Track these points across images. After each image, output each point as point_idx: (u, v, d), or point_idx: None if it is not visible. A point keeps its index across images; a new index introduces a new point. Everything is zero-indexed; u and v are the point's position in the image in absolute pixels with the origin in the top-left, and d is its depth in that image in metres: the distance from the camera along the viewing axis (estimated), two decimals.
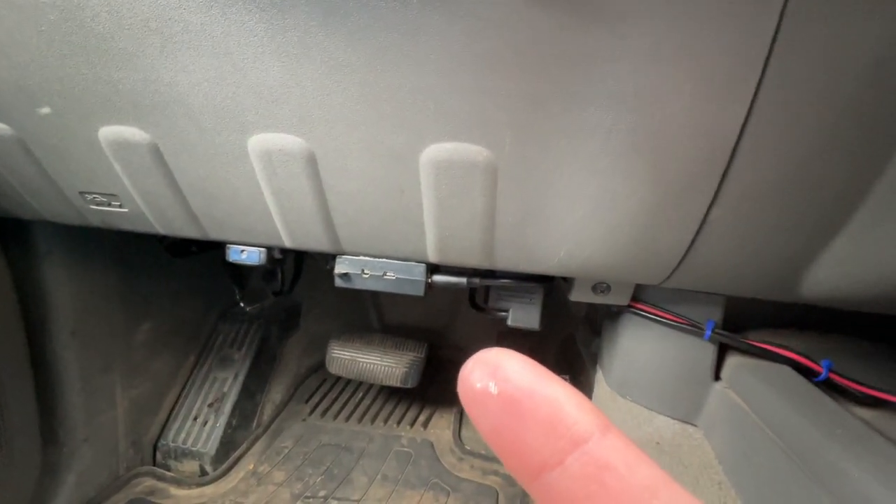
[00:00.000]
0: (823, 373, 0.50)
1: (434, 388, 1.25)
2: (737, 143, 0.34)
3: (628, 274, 0.48)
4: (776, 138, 0.34)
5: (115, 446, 0.91)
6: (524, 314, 0.60)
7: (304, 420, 1.13)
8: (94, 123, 0.48)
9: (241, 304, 1.07)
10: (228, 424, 1.00)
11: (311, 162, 0.46)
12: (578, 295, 0.58)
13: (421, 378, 1.09)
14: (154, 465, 0.96)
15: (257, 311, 1.18)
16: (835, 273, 0.40)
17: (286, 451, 1.03)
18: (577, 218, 0.44)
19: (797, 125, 0.33)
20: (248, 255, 0.58)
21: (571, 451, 0.10)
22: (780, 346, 0.51)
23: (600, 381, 0.68)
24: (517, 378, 0.11)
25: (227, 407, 1.02)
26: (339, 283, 0.56)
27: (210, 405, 1.02)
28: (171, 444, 0.97)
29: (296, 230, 0.52)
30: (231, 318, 1.17)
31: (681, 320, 0.55)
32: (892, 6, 0.28)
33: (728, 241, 0.41)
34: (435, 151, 0.42)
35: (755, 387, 0.50)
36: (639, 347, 0.61)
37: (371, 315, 1.39)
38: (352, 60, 0.38)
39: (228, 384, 1.05)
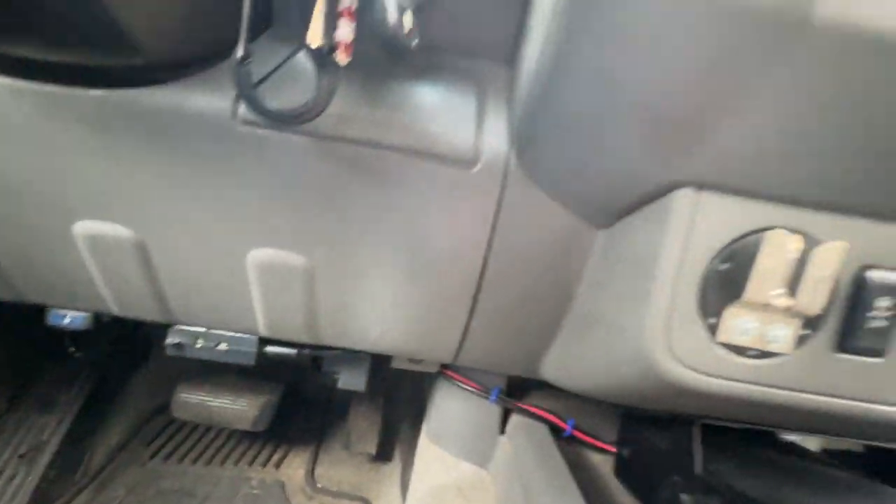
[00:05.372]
0: (568, 430, 0.66)
1: (292, 425, 1.26)
2: (480, 277, 0.48)
3: (426, 355, 0.60)
4: (505, 279, 0.48)
5: None
6: (352, 378, 0.69)
7: (143, 465, 1.07)
8: None
9: (71, 350, 0.99)
10: (44, 477, 0.91)
11: (142, 249, 0.49)
12: (398, 363, 0.68)
13: (276, 417, 1.11)
14: None
15: (95, 345, 1.09)
16: (556, 365, 0.55)
17: (117, 501, 0.97)
18: (382, 310, 0.54)
19: (518, 272, 0.47)
20: (71, 319, 0.58)
21: None
22: (539, 407, 0.67)
23: (423, 432, 0.80)
24: None
25: (45, 457, 0.93)
26: (171, 352, 0.59)
27: (21, 456, 0.92)
28: None
29: (125, 302, 0.55)
30: (61, 353, 1.07)
31: (475, 386, 0.69)
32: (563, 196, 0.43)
33: (486, 339, 0.54)
34: (259, 254, 0.49)
35: (518, 440, 0.65)
36: (448, 404, 0.74)
37: None
38: (178, 172, 0.44)
39: (49, 431, 0.96)
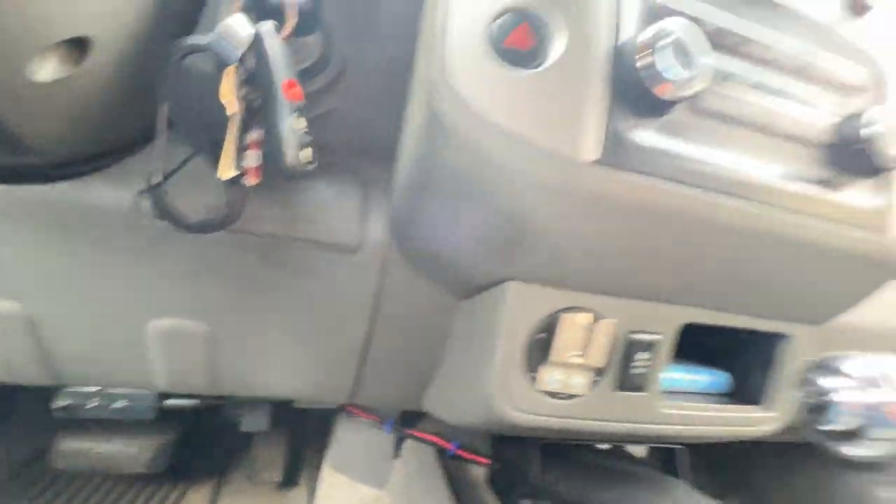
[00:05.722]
0: (452, 450, 0.78)
1: (194, 461, 1.23)
2: (367, 337, 0.57)
3: (324, 399, 0.68)
4: (389, 338, 0.58)
5: None
6: (254, 421, 0.74)
7: None
8: None
9: None
10: None
11: (31, 323, 0.50)
12: (302, 402, 0.75)
13: (176, 455, 1.08)
14: None
15: None
16: (433, 402, 0.67)
17: None
18: (281, 365, 0.61)
19: (399, 332, 0.58)
20: None
21: None
22: (428, 432, 0.78)
23: (325, 460, 0.87)
24: None
25: None
26: (59, 415, 0.59)
27: None
28: None
29: (8, 371, 0.54)
30: None
31: (372, 417, 0.78)
32: None
33: (376, 384, 0.64)
34: (159, 323, 0.53)
35: (410, 463, 0.75)
36: (348, 434, 0.82)
37: None
38: (76, 255, 0.47)
39: None
